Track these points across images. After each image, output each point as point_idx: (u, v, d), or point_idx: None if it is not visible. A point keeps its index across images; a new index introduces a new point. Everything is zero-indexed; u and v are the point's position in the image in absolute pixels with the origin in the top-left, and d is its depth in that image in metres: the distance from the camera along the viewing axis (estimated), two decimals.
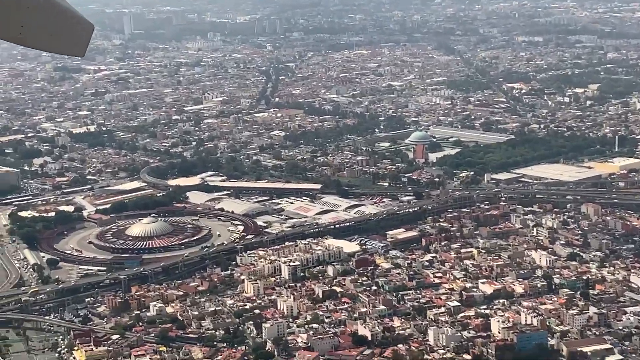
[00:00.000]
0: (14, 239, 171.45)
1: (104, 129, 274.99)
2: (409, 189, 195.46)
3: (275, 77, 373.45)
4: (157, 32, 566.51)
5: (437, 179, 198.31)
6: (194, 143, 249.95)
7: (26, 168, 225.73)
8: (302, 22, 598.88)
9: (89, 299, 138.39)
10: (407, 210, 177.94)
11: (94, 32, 13.83)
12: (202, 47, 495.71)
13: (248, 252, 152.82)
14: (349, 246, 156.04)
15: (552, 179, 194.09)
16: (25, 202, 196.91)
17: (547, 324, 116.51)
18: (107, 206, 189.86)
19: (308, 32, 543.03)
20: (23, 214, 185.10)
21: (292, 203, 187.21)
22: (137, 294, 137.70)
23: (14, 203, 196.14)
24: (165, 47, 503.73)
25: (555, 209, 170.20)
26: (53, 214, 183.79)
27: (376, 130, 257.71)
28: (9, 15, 12.40)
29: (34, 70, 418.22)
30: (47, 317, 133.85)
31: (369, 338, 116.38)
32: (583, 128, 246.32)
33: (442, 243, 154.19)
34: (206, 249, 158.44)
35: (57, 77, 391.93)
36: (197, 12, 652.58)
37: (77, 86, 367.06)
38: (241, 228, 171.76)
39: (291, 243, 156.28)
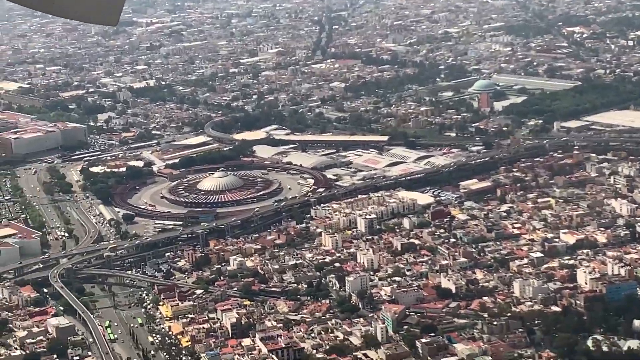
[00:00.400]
0: (87, 194, 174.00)
1: (163, 83, 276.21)
2: (477, 138, 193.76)
3: (329, 26, 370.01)
4: None
5: (505, 128, 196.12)
6: (254, 96, 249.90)
7: (91, 124, 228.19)
8: None
9: (168, 254, 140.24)
10: (477, 160, 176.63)
11: (124, 1, 13.71)
12: None
13: (322, 205, 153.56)
14: (423, 198, 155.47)
15: (623, 127, 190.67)
16: (94, 157, 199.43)
17: (635, 273, 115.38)
18: (176, 161, 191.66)
19: None
20: (94, 169, 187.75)
21: (359, 155, 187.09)
22: (215, 248, 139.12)
23: (84, 159, 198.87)
24: None
25: (631, 157, 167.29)
26: (124, 169, 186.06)
27: (437, 79, 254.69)
28: None
29: (87, 25, 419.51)
30: (129, 272, 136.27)
31: (453, 291, 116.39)
32: None
33: (518, 193, 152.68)
34: (279, 202, 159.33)
35: (110, 31, 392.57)
36: None
37: (132, 40, 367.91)
38: (311, 181, 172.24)
39: (364, 196, 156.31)
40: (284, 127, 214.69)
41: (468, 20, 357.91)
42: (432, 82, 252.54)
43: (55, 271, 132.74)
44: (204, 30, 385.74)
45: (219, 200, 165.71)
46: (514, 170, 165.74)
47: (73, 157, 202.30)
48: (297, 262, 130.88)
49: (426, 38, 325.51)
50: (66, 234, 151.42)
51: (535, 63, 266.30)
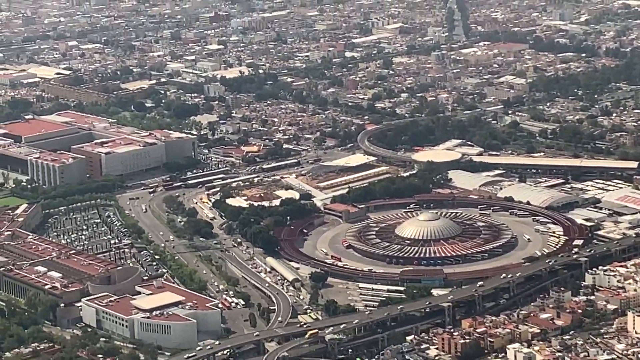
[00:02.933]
0: (237, 239, 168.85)
1: (261, 71, 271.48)
2: None
3: None
4: None
5: None
6: (402, 95, 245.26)
7: (192, 132, 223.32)
8: None
9: (410, 338, 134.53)
10: None
11: None
12: None
13: (599, 267, 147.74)
14: None
15: None
16: (221, 183, 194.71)
17: None
18: (342, 191, 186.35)
19: None
20: (231, 202, 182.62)
21: (603, 190, 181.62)
22: (476, 330, 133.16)
23: (204, 184, 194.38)
24: None
25: None
26: (276, 203, 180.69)
27: None
28: None
29: None
30: None
31: None
32: None
33: None
34: (530, 261, 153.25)
35: None
36: None
37: (182, 5, 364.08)
38: (555, 228, 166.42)
39: None
40: (470, 143, 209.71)
41: None
42: None
43: None
44: None
45: (434, 254, 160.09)
46: None
47: (189, 182, 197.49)
48: (609, 358, 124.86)
49: (601, 13, 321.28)
50: (241, 301, 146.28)
51: None
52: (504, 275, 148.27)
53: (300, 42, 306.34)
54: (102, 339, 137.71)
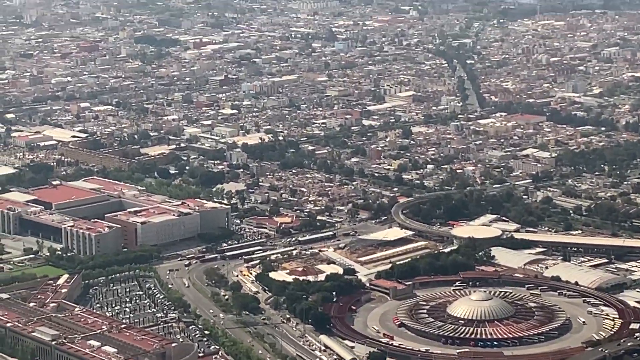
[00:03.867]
0: (287, 316, 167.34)
1: (280, 138, 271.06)
2: None
3: (460, 61, 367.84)
4: None
5: None
6: (428, 166, 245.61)
7: (223, 202, 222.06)
8: None
9: None
10: None
11: None
12: (315, 9, 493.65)
13: None
14: None
15: None
16: (260, 255, 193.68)
17: None
18: (384, 266, 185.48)
19: None
20: (275, 275, 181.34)
21: None
22: None
23: (242, 256, 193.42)
24: (265, 9, 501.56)
25: None
26: (322, 278, 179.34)
27: None
28: None
29: (109, 42, 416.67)
30: None
31: None
32: None
33: None
34: (594, 346, 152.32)
35: (147, 53, 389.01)
36: None
37: (188, 67, 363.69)
38: (610, 311, 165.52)
39: None
40: (505, 219, 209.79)
41: None
42: None
43: None
44: (283, 57, 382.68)
45: (489, 334, 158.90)
46: None
47: (226, 253, 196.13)
48: None
49: (613, 86, 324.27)
50: None
51: None
52: None
53: (314, 108, 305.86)
54: None
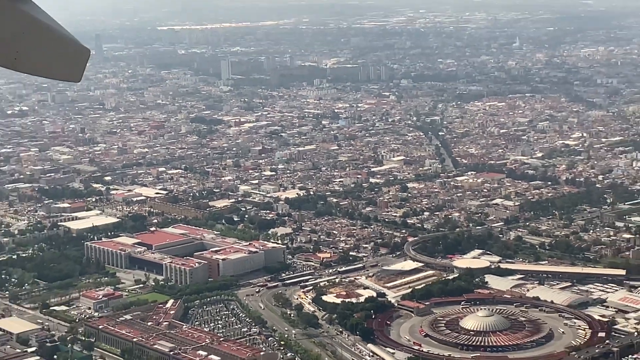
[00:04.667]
0: (340, 329, 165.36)
1: (311, 193, 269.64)
2: None
3: (433, 133, 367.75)
4: (257, 78, 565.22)
5: None
6: (424, 213, 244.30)
7: (280, 243, 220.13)
8: (395, 67, 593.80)
9: None
10: None
11: (89, 58, 13.76)
12: (319, 96, 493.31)
13: (627, 355, 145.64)
14: None
15: None
16: (311, 282, 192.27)
17: None
18: (405, 290, 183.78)
19: (415, 79, 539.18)
20: (326, 298, 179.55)
21: (605, 292, 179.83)
22: None
23: (300, 283, 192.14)
24: (282, 95, 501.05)
25: None
26: (362, 299, 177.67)
27: (609, 200, 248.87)
28: (4, 41, 12.50)
29: (171, 122, 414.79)
30: None
31: None
32: None
33: None
34: (574, 351, 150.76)
35: (201, 130, 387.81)
36: (279, 56, 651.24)
37: (233, 140, 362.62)
38: (581, 323, 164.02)
39: None
40: (489, 252, 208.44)
41: (578, 131, 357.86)
42: (602, 201, 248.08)
43: None
44: (302, 132, 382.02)
45: (494, 342, 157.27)
46: None
47: (286, 281, 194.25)
48: None
49: (550, 150, 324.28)
50: None
51: None
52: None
53: (331, 170, 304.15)
54: None
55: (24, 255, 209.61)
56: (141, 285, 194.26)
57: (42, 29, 12.75)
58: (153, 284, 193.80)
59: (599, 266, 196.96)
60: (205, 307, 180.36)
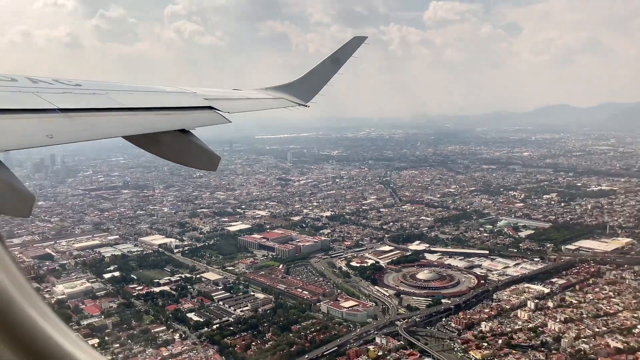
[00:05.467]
0: (360, 279, 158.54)
1: (336, 213, 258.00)
2: None
3: (386, 185, 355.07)
4: (299, 159, 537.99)
5: None
6: (391, 222, 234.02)
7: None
8: (365, 154, 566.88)
9: None
10: None
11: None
12: (333, 169, 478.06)
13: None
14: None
15: None
16: (345, 257, 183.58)
17: None
18: (388, 260, 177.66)
19: (375, 160, 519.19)
20: (352, 264, 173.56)
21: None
22: None
23: (340, 257, 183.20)
24: (313, 169, 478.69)
25: None
26: (369, 264, 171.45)
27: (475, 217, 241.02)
28: None
29: (268, 175, 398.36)
30: None
31: None
32: None
33: None
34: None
35: (282, 183, 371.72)
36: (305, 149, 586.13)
37: (296, 189, 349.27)
38: (472, 277, 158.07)
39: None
40: (424, 242, 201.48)
41: (455, 184, 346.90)
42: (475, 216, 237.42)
43: None
44: (332, 184, 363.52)
45: (432, 285, 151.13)
46: None
47: (332, 255, 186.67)
48: None
49: (443, 193, 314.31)
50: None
51: None
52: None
53: (344, 201, 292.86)
54: None
55: (210, 242, 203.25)
56: (265, 257, 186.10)
57: None
58: (271, 256, 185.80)
59: (474, 248, 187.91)
60: (296, 268, 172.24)
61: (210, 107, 10.94)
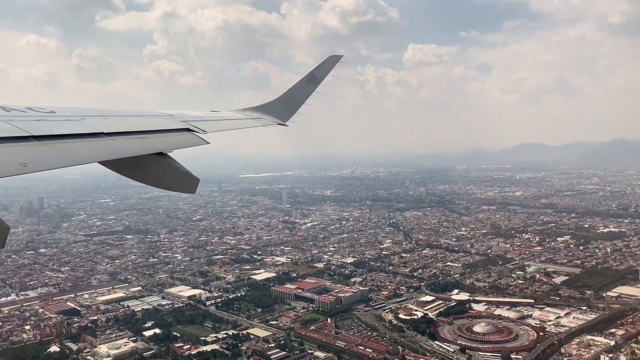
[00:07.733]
0: (416, 333, 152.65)
1: (357, 259, 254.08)
2: None
3: (395, 227, 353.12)
4: (298, 200, 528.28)
5: None
6: (418, 269, 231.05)
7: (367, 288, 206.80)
8: (359, 194, 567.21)
9: None
10: None
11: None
12: (333, 210, 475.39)
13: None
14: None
15: None
16: (388, 308, 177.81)
17: None
18: (437, 311, 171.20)
19: (373, 201, 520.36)
20: (400, 316, 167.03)
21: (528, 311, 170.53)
22: None
23: (383, 308, 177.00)
24: (316, 210, 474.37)
25: None
26: (419, 316, 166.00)
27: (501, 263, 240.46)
28: None
29: (272, 217, 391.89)
30: None
31: None
32: None
33: None
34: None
35: (288, 227, 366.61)
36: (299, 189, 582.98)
37: (303, 231, 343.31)
38: (527, 328, 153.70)
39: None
40: (463, 291, 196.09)
41: (464, 227, 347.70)
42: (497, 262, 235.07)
43: None
44: (340, 227, 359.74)
45: (490, 339, 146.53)
46: None
47: (376, 306, 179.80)
48: None
49: (457, 237, 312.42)
50: None
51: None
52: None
53: (359, 246, 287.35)
54: None
55: (242, 294, 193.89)
56: (305, 310, 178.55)
57: None
58: (312, 308, 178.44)
59: (516, 297, 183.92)
60: (342, 321, 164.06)
61: (188, 129, 10.78)
